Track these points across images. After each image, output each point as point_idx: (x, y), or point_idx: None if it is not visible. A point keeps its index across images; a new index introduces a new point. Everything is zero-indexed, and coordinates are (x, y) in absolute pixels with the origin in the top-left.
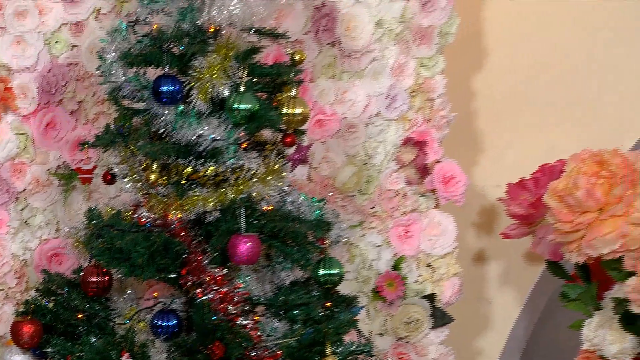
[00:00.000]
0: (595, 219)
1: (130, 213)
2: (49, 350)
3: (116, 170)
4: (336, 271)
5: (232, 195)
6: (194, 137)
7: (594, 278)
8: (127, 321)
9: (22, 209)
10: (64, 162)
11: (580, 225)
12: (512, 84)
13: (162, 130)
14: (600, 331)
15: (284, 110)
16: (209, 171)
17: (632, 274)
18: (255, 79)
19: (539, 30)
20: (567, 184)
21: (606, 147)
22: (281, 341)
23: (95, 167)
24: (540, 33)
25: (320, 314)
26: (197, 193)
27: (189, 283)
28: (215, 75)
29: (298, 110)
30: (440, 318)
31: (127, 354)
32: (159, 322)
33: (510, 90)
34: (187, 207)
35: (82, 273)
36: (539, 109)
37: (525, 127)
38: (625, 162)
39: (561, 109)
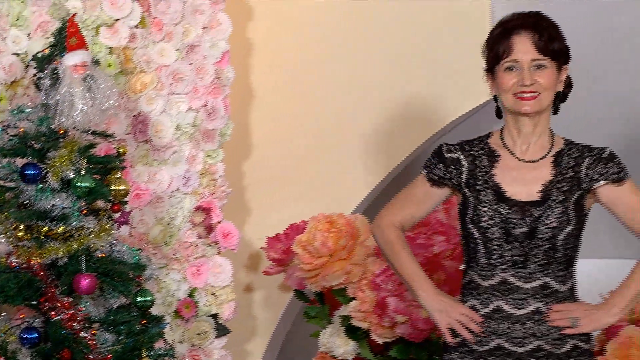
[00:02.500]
0: (328, 261)
1: (4, 259)
2: None
3: None
4: (149, 298)
5: (76, 246)
6: (49, 206)
7: (327, 302)
8: (2, 335)
9: None
10: None
11: (317, 266)
12: (270, 169)
13: (27, 201)
14: (331, 338)
15: (112, 187)
16: (59, 230)
17: (352, 298)
18: (92, 166)
19: (288, 131)
20: (308, 237)
21: (334, 211)
22: (110, 348)
23: None
24: (288, 135)
25: (138, 329)
26: (51, 245)
27: (46, 307)
28: (64, 163)
29: (122, 187)
30: (221, 330)
31: (2, 358)
32: (25, 335)
33: (268, 174)
34: (44, 255)
35: None
36: (289, 186)
37: (279, 198)
38: (347, 222)
39: (304, 185)
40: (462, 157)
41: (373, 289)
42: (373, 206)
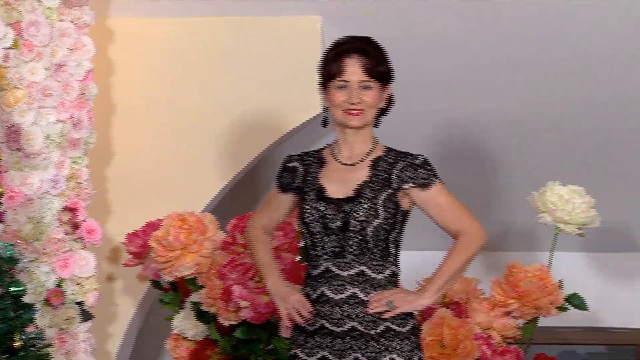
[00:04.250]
0: (181, 254)
1: None
2: None
3: None
4: (21, 288)
5: None
6: None
7: (180, 289)
8: None
9: None
10: None
11: (171, 258)
12: (129, 173)
13: None
14: (183, 322)
15: None
16: None
17: (202, 287)
18: None
19: (145, 140)
20: (163, 233)
21: (186, 210)
22: None
23: None
24: (145, 143)
25: (12, 315)
26: None
27: None
28: None
29: None
30: (86, 316)
31: None
32: None
33: (127, 177)
34: None
35: None
36: (146, 188)
37: (137, 198)
38: (198, 219)
39: (159, 187)
40: (297, 165)
41: (220, 278)
42: (220, 205)
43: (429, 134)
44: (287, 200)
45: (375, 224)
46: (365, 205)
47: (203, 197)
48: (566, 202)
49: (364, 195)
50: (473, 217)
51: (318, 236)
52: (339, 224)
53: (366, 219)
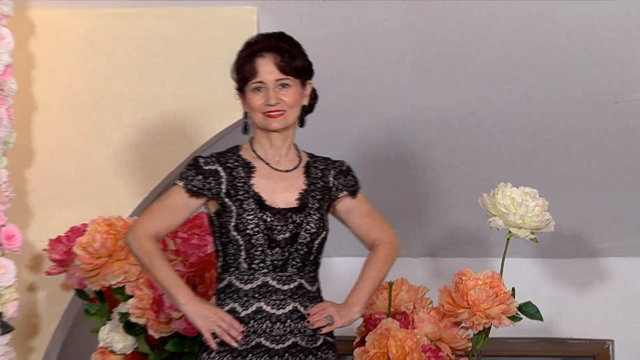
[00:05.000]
0: (107, 261)
1: None
2: None
3: None
4: None
5: None
6: None
7: (107, 299)
8: None
9: None
10: None
11: (97, 266)
12: (51, 175)
13: None
14: (110, 334)
15: None
16: None
17: (131, 296)
18: None
19: (69, 140)
20: (89, 238)
21: (113, 214)
22: None
23: None
24: (69, 143)
25: None
26: None
27: None
28: None
29: None
30: (5, 328)
31: None
32: None
33: (50, 179)
34: None
35: None
36: (69, 190)
37: (60, 202)
38: (126, 224)
39: (83, 190)
40: (219, 168)
41: (150, 287)
42: None
43: (374, 134)
44: (195, 204)
45: (323, 235)
46: (315, 217)
47: (131, 201)
48: (519, 205)
49: (310, 206)
50: (389, 225)
51: (260, 249)
52: (286, 235)
53: (317, 230)
